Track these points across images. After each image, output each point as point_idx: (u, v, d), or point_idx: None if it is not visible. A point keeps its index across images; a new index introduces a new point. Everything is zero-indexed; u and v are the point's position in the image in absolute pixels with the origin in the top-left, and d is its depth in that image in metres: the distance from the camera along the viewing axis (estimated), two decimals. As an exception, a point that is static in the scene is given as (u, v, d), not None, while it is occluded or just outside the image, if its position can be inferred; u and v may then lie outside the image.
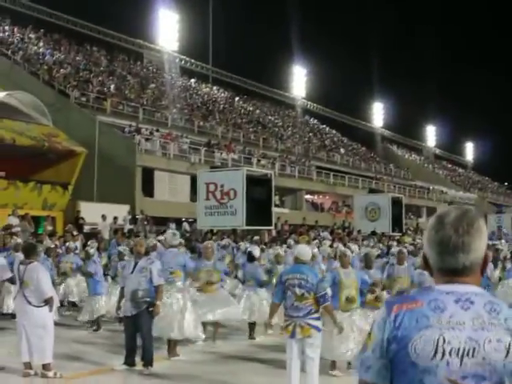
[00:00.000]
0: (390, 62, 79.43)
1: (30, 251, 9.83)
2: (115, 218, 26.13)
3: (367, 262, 11.54)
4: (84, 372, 9.91)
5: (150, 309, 9.83)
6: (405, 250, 13.53)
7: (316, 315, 8.53)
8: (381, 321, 2.38)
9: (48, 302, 9.38)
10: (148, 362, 9.86)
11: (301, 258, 8.82)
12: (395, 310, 2.35)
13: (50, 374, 9.27)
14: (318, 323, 8.53)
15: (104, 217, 25.90)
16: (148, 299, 9.81)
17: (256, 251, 14.13)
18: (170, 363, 10.65)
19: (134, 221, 27.25)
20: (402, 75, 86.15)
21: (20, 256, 11.25)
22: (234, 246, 19.10)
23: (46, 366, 9.32)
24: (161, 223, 28.91)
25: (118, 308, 10.39)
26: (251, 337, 13.28)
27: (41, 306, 9.32)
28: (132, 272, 9.96)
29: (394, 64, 79.99)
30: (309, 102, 75.44)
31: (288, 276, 8.64)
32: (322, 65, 73.96)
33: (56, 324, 10.23)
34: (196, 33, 61.28)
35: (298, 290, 8.46)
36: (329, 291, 9.18)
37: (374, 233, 28.96)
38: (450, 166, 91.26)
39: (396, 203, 33.18)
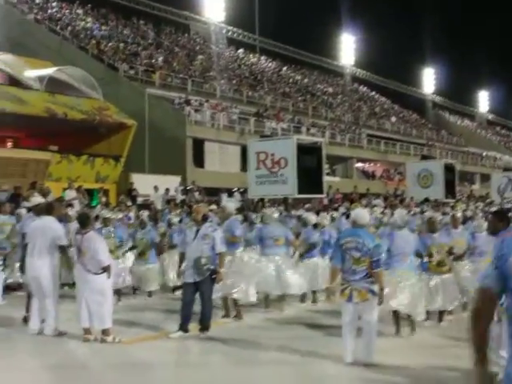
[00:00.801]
0: (440, 26, 77.75)
1: (85, 221, 9.99)
2: (167, 190, 26.34)
3: (431, 226, 11.41)
4: (141, 337, 10.09)
5: (213, 276, 9.93)
6: (459, 215, 13.37)
7: (371, 279, 8.53)
8: (495, 244, 3.57)
9: (106, 269, 9.56)
10: (205, 326, 10.00)
11: (358, 222, 8.82)
12: (503, 236, 3.61)
13: (109, 338, 9.46)
14: (374, 287, 8.52)
15: (156, 188, 26.15)
16: (211, 266, 9.89)
17: (312, 217, 14.14)
18: (225, 328, 10.77)
19: (185, 191, 27.43)
20: (453, 39, 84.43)
21: (75, 226, 11.43)
22: (285, 214, 19.09)
23: (105, 331, 9.52)
24: (212, 193, 29.07)
25: (180, 273, 10.44)
26: (314, 302, 13.38)
27: (99, 274, 9.51)
28: (194, 239, 10.01)
29: (444, 28, 78.31)
30: (358, 70, 74.61)
31: (346, 239, 8.68)
32: (370, 31, 72.79)
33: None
34: (242, 2, 60.78)
35: (355, 254, 8.49)
36: (383, 256, 9.15)
37: (426, 199, 28.64)
38: (503, 131, 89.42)
39: (449, 170, 32.67)
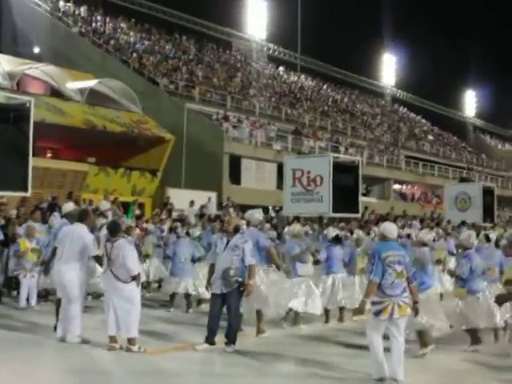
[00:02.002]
0: (482, 49, 77.03)
1: (114, 229, 10.06)
2: (202, 206, 26.43)
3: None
4: (167, 348, 10.08)
5: (241, 288, 9.87)
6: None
7: (407, 293, 8.55)
8: None
9: (135, 278, 9.59)
10: (231, 340, 9.94)
11: (389, 236, 8.76)
12: None
13: (135, 348, 9.47)
14: (410, 302, 8.54)
15: (192, 203, 26.22)
16: (239, 278, 9.85)
17: (333, 233, 13.98)
18: (252, 342, 10.72)
19: (220, 207, 27.48)
20: (495, 63, 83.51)
21: (104, 233, 11.51)
22: (318, 232, 19.00)
23: (131, 341, 9.53)
24: (247, 211, 28.97)
25: (209, 285, 10.35)
26: (340, 320, 13.28)
27: (128, 282, 9.54)
28: (224, 250, 9.99)
29: (486, 51, 77.57)
30: (398, 91, 74.34)
31: (388, 253, 8.53)
32: (412, 52, 72.50)
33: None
34: (284, 21, 61.04)
35: (398, 267, 8.45)
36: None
37: (463, 223, 28.29)
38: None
39: (488, 193, 32.18)
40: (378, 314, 8.42)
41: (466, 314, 10.56)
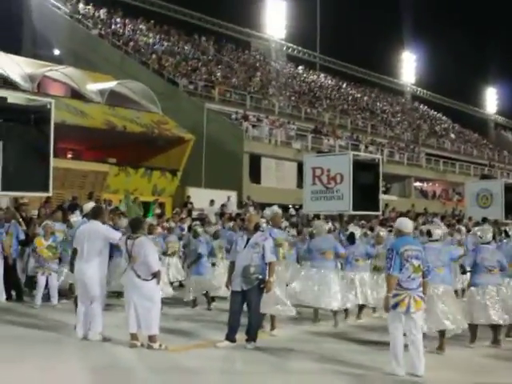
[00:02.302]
0: (502, 46, 76.39)
1: (136, 226, 10.12)
2: (223, 205, 26.55)
3: None
4: (188, 345, 10.11)
5: (262, 285, 9.87)
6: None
7: (421, 288, 8.64)
8: None
9: (155, 275, 9.63)
10: (252, 337, 9.94)
11: (404, 231, 8.82)
12: None
13: (156, 345, 9.51)
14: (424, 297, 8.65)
15: (212, 202, 26.33)
16: (260, 276, 9.84)
17: (357, 231, 14.04)
18: (271, 338, 10.74)
19: (240, 206, 27.55)
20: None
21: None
22: (339, 230, 18.98)
23: (151, 338, 9.57)
24: (267, 209, 29.00)
25: (229, 282, 10.30)
26: (358, 318, 13.26)
27: (148, 280, 9.58)
28: (244, 247, 9.99)
29: (506, 48, 76.91)
30: (418, 88, 74.03)
31: (405, 247, 8.60)
32: (431, 50, 72.07)
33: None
34: (303, 20, 60.97)
35: (415, 262, 8.54)
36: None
37: (484, 219, 28.11)
38: None
39: (510, 190, 31.90)
40: (395, 306, 8.48)
41: (468, 308, 10.52)
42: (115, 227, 13.87)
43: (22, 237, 14.79)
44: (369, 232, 18.36)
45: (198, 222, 15.97)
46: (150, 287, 9.63)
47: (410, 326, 8.53)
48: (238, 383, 8.28)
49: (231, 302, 10.15)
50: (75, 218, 14.47)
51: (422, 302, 8.53)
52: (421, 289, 8.59)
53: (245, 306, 10.04)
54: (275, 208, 11.98)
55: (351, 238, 13.75)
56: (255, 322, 10.02)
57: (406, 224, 8.92)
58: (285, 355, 9.60)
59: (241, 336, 10.00)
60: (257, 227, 10.25)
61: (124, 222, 14.21)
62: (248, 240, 10.03)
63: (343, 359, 9.27)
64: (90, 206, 11.97)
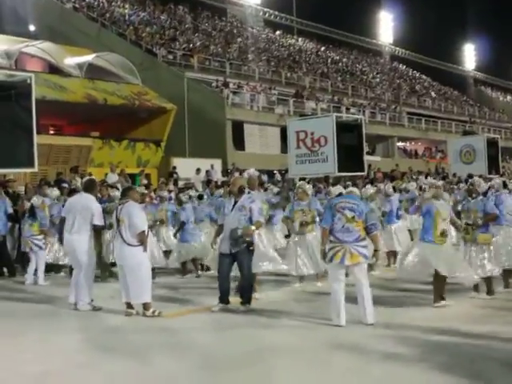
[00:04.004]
0: (479, 1, 76.29)
1: (125, 191, 10.22)
2: (207, 172, 26.53)
3: None
4: (182, 311, 10.12)
5: (251, 248, 9.84)
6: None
7: (364, 243, 8.79)
8: None
9: (142, 240, 9.60)
10: (246, 299, 9.94)
11: (353, 192, 9.35)
12: None
13: (149, 312, 9.52)
14: (366, 251, 8.77)
15: (198, 170, 26.30)
16: (248, 238, 9.78)
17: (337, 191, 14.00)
18: (264, 301, 10.73)
19: (225, 173, 27.52)
20: (493, 15, 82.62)
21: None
22: (325, 191, 19.01)
23: (145, 306, 9.59)
24: (252, 175, 28.98)
25: (214, 242, 10.35)
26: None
27: (136, 246, 9.57)
28: (232, 210, 9.95)
29: (483, 4, 76.77)
30: (397, 48, 73.94)
31: (339, 201, 8.98)
32: (408, 9, 72.01)
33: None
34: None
35: (348, 213, 8.75)
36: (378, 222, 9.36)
37: (470, 176, 28.24)
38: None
39: (492, 145, 32.07)
40: (331, 259, 8.74)
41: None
42: (104, 199, 13.89)
43: (11, 210, 14.67)
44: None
45: (187, 191, 15.84)
46: (137, 254, 9.58)
47: (355, 276, 8.77)
48: (231, 339, 8.31)
49: (219, 265, 10.08)
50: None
51: (359, 256, 8.62)
52: (361, 243, 8.71)
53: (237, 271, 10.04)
54: (250, 171, 11.93)
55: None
56: (248, 283, 10.00)
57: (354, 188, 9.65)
58: (275, 315, 9.54)
59: (233, 299, 10.04)
60: (241, 190, 10.19)
61: (117, 193, 14.13)
62: (235, 203, 10.00)
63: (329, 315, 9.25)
64: (113, 178, 11.94)
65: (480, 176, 28.45)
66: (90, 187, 10.67)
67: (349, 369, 6.80)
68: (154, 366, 7.07)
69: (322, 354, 7.47)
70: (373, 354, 7.26)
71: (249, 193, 10.49)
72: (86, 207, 10.23)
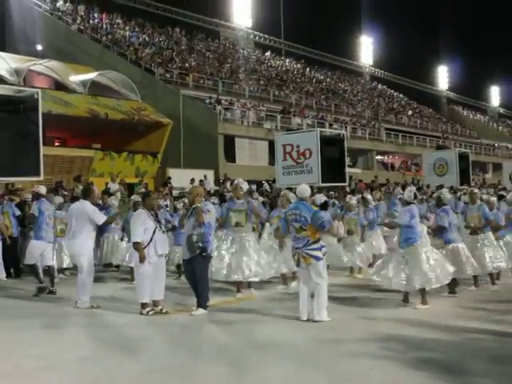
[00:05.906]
0: (452, 26, 76.86)
1: (143, 198, 10.40)
2: (201, 181, 26.53)
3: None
4: (179, 309, 10.01)
5: (204, 254, 9.47)
6: (476, 190, 13.45)
7: (314, 246, 8.96)
8: None
9: (137, 249, 9.56)
10: (200, 305, 9.58)
11: (300, 195, 9.36)
12: None
13: (144, 311, 9.53)
14: (317, 253, 8.96)
15: (193, 180, 26.27)
16: (201, 244, 9.41)
17: (322, 199, 13.94)
18: (241, 303, 10.64)
19: (218, 183, 27.56)
20: (465, 39, 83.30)
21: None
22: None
23: (142, 305, 9.59)
24: (242, 185, 29.02)
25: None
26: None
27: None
28: (189, 218, 9.67)
29: (455, 28, 77.32)
30: (376, 69, 74.31)
31: (289, 213, 9.30)
32: (386, 33, 72.49)
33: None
34: (268, 9, 60.89)
35: (295, 224, 9.08)
36: (327, 218, 9.21)
37: (441, 186, 28.31)
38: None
39: (463, 158, 32.14)
40: (297, 263, 9.21)
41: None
42: (105, 206, 13.87)
43: (18, 213, 14.62)
44: (336, 202, 18.65)
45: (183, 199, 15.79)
46: (135, 257, 9.80)
47: (310, 275, 9.00)
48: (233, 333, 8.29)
49: (184, 271, 10.25)
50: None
51: (310, 258, 8.92)
52: (311, 246, 8.92)
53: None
54: (236, 180, 11.88)
55: (324, 206, 13.72)
56: (201, 289, 9.60)
57: (304, 190, 9.35)
58: (248, 317, 9.40)
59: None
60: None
61: (113, 201, 14.08)
62: (193, 210, 9.59)
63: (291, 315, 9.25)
64: (114, 187, 11.92)
65: (451, 187, 28.68)
66: (86, 193, 10.76)
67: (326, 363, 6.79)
68: (150, 360, 7.02)
69: (307, 348, 7.47)
70: (357, 349, 7.28)
71: (205, 200, 10.35)
72: (81, 212, 10.30)
